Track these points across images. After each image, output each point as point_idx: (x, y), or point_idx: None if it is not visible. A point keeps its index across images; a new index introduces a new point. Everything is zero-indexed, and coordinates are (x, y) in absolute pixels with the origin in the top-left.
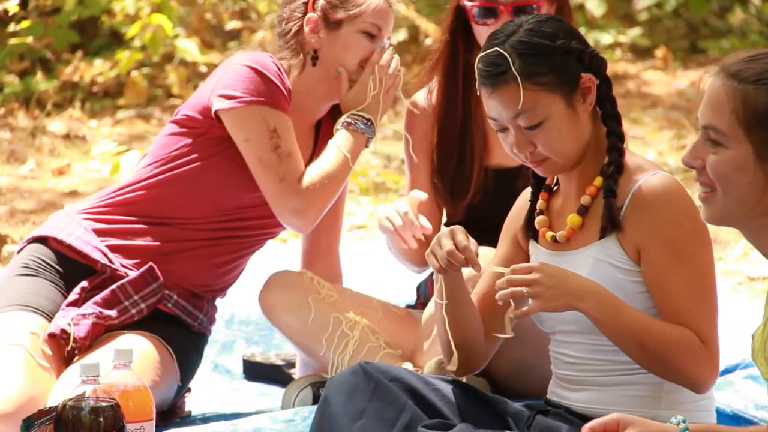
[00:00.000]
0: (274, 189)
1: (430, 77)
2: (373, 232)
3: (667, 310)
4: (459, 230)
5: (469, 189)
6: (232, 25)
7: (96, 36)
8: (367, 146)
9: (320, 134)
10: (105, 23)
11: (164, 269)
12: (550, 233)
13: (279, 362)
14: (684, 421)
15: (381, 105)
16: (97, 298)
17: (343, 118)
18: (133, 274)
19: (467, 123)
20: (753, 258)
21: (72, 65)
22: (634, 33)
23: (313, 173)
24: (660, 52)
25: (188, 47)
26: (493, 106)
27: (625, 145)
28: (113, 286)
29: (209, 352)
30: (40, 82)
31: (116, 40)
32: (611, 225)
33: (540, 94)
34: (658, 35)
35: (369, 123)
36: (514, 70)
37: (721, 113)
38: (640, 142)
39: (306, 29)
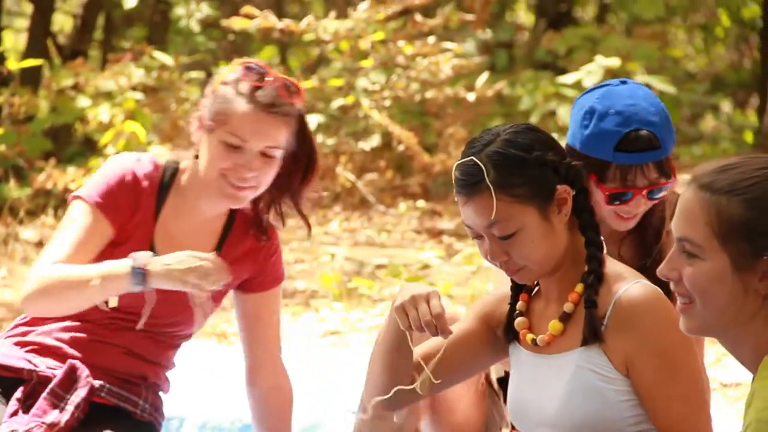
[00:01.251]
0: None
1: None
2: (348, 337)
3: (662, 419)
4: (435, 294)
5: None
6: None
7: (69, 143)
8: (127, 289)
9: (230, 234)
10: (78, 130)
11: (88, 363)
12: (530, 336)
13: None
14: None
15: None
16: (35, 409)
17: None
18: (58, 374)
19: None
20: (726, 364)
21: (45, 173)
22: None
23: (59, 269)
24: None
25: (162, 154)
26: (468, 215)
27: (604, 254)
28: (44, 394)
29: None
30: (13, 189)
31: (89, 147)
32: (593, 337)
33: (514, 205)
34: None
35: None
36: (488, 181)
37: (696, 225)
38: None
39: (194, 126)
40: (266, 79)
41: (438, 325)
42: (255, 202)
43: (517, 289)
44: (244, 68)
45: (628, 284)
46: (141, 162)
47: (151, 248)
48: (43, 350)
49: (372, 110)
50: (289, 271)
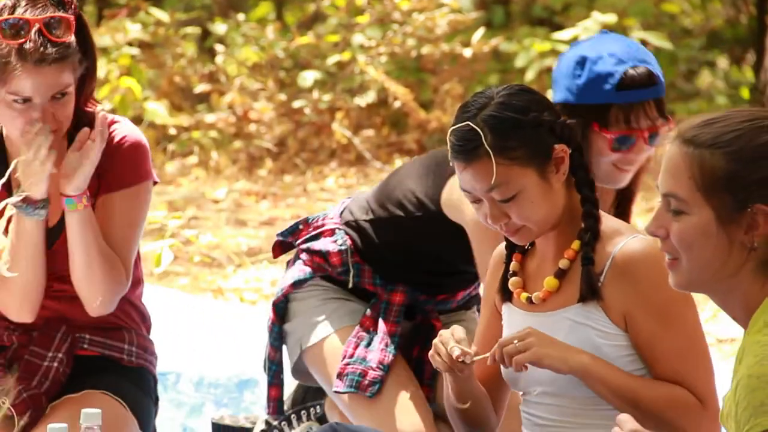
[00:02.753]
0: None
1: None
2: None
3: (662, 373)
4: (459, 330)
5: None
6: (201, 87)
7: None
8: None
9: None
10: None
11: (64, 318)
12: (525, 294)
13: (248, 425)
14: None
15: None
16: (22, 373)
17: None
18: (35, 336)
19: None
20: (721, 320)
21: None
22: None
23: None
24: None
25: (157, 110)
26: (466, 180)
27: (599, 211)
28: (27, 356)
29: (177, 415)
30: None
31: None
32: (591, 293)
33: (513, 167)
34: None
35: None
36: (486, 145)
37: (680, 180)
38: None
39: None
40: (27, 31)
41: (463, 363)
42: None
43: (510, 250)
44: (3, 26)
45: (625, 239)
46: None
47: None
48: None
49: (368, 66)
50: (284, 227)
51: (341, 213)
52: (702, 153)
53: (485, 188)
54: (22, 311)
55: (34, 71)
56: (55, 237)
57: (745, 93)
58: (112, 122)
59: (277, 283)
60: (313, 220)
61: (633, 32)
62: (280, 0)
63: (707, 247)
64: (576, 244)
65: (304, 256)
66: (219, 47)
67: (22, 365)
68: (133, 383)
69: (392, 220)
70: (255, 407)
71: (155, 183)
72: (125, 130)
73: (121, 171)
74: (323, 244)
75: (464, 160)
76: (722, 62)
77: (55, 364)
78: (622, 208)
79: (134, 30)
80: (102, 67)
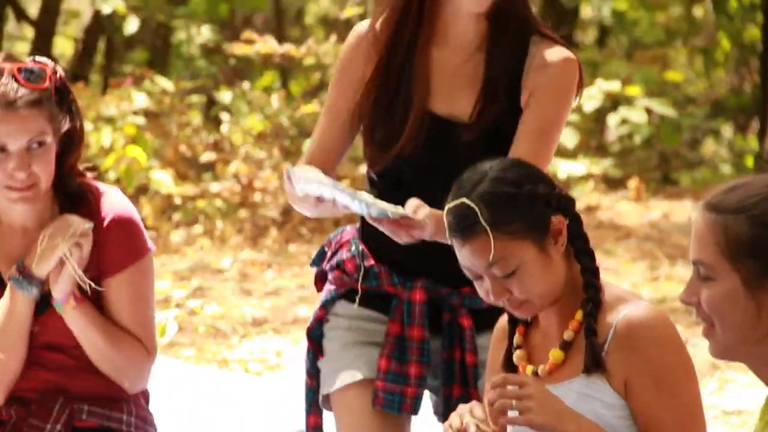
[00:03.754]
0: None
1: (381, 10)
2: None
3: None
4: (478, 409)
5: (401, 135)
6: (207, 156)
7: None
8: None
9: None
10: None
11: (62, 389)
12: (530, 367)
13: None
14: None
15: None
16: None
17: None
18: (34, 409)
19: (409, 64)
20: (728, 391)
21: None
22: (606, 164)
23: None
24: (632, 183)
25: (163, 179)
26: (465, 257)
27: (601, 280)
28: (24, 429)
29: None
30: None
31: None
32: (594, 365)
33: (511, 242)
34: (630, 166)
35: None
36: (483, 221)
37: (706, 247)
38: (613, 274)
39: None
40: (1, 77)
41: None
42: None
43: (512, 323)
44: None
45: (628, 307)
46: None
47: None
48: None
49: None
50: (290, 296)
51: (357, 224)
52: (726, 219)
53: (484, 264)
54: None
55: (7, 114)
56: (46, 304)
57: (749, 161)
58: (99, 194)
59: (282, 354)
60: (335, 236)
61: (637, 100)
62: (285, 69)
63: (736, 313)
64: (579, 315)
65: (330, 274)
66: (224, 116)
67: None
68: None
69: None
70: None
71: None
72: (113, 206)
73: (119, 253)
74: (340, 256)
75: (462, 238)
76: (726, 131)
77: None
78: None
79: (140, 99)
80: (107, 136)
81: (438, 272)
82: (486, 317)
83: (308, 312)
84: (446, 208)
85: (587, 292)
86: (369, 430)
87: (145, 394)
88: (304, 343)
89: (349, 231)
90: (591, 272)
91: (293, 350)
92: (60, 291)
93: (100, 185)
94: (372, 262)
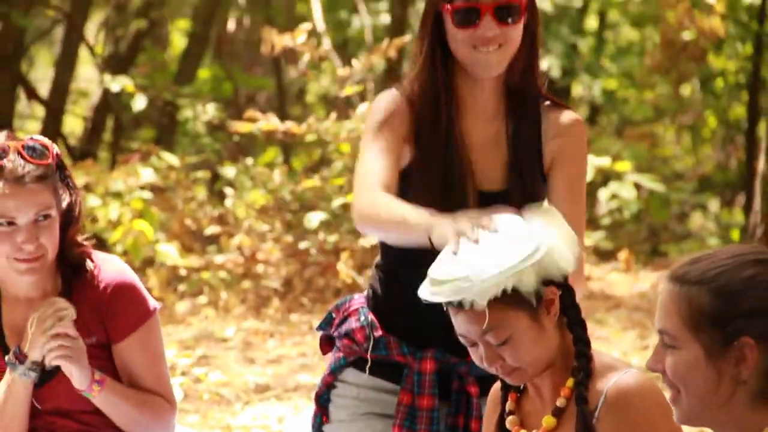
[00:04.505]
0: None
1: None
2: None
3: None
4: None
5: (451, 208)
6: (211, 230)
7: None
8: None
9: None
10: (88, 229)
11: None
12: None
13: None
14: None
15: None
16: None
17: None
18: None
19: (456, 138)
20: None
21: None
22: (597, 236)
23: None
24: (622, 255)
25: (169, 251)
26: (460, 324)
27: (592, 350)
28: None
29: None
30: None
31: (99, 245)
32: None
33: (505, 312)
34: (620, 239)
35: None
36: (475, 293)
37: (670, 317)
38: (604, 342)
39: None
40: (7, 154)
41: None
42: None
43: (505, 389)
44: None
45: (617, 375)
46: None
47: (5, 348)
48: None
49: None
50: (292, 364)
51: (366, 293)
52: (689, 290)
53: (479, 332)
54: None
55: (15, 189)
56: (54, 372)
57: (735, 235)
58: (98, 263)
59: (284, 420)
60: (342, 304)
61: (627, 175)
62: (287, 145)
63: (699, 381)
64: (571, 382)
65: (338, 342)
66: (228, 190)
67: None
68: None
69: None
70: None
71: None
72: (113, 273)
73: (125, 318)
74: (349, 325)
75: (457, 306)
76: (713, 205)
77: None
78: None
79: (146, 174)
80: (115, 210)
81: (446, 342)
82: (489, 384)
83: (310, 379)
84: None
85: (579, 362)
86: None
87: None
88: (305, 410)
89: (358, 300)
90: (583, 342)
91: (295, 417)
92: (81, 383)
93: (99, 254)
94: (381, 332)
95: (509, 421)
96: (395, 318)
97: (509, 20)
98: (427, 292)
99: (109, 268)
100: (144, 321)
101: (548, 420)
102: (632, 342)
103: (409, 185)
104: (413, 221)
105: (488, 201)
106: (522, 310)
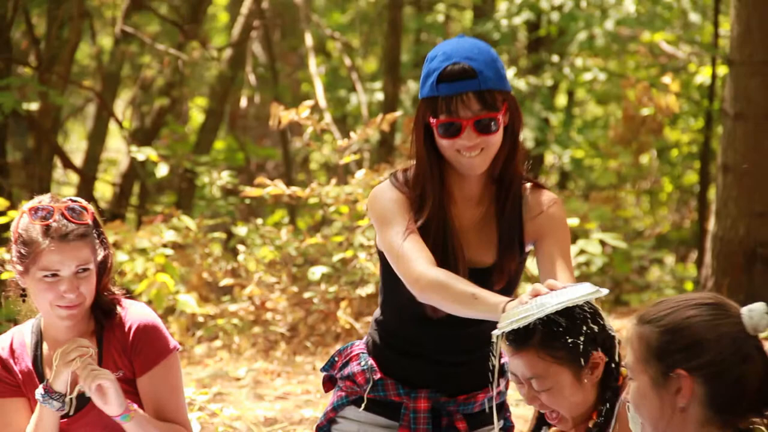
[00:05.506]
0: None
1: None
2: None
3: None
4: None
5: None
6: (225, 281)
7: None
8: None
9: (104, 340)
10: (117, 281)
11: None
12: None
13: None
14: None
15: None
16: None
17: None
18: None
19: (447, 223)
20: None
21: None
22: None
23: None
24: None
25: (188, 301)
26: (513, 364)
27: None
28: None
29: None
30: None
31: (127, 296)
32: None
33: (552, 365)
34: None
35: (52, 394)
36: (534, 342)
37: (630, 352)
38: None
39: (17, 277)
40: (52, 215)
41: None
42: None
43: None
44: (30, 212)
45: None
46: None
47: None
48: None
49: (368, 262)
50: (297, 400)
51: (365, 340)
52: (642, 328)
53: (526, 375)
54: None
55: (60, 246)
56: (83, 404)
57: (689, 286)
58: (125, 308)
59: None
60: (344, 349)
61: (593, 233)
62: (293, 207)
63: (649, 408)
64: (592, 422)
65: (340, 383)
66: (240, 247)
67: None
68: None
69: (380, 296)
70: None
71: (178, 349)
72: (137, 316)
73: (147, 354)
74: (350, 368)
75: (515, 348)
76: (669, 260)
77: None
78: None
79: (168, 234)
80: (141, 265)
81: (436, 384)
82: (477, 419)
83: (313, 413)
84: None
85: (602, 413)
86: None
87: None
88: None
89: (359, 345)
90: (611, 403)
91: None
92: (118, 407)
93: (126, 300)
94: (379, 375)
95: None
96: (392, 364)
97: (488, 130)
98: (500, 325)
99: (135, 311)
100: (165, 356)
101: None
102: None
103: None
104: (486, 298)
105: (478, 276)
106: (568, 367)
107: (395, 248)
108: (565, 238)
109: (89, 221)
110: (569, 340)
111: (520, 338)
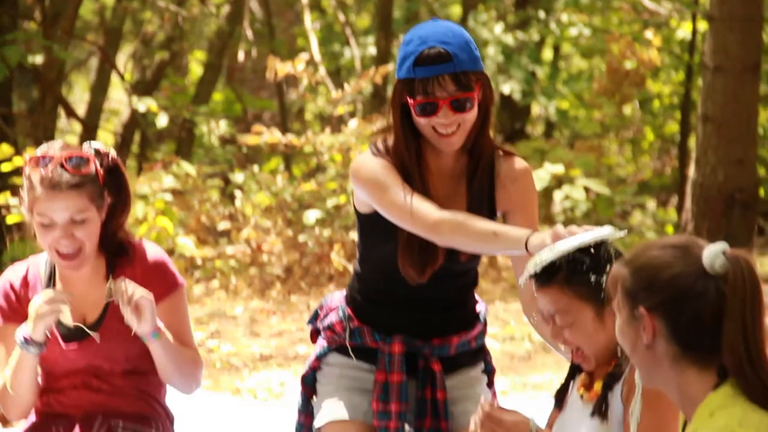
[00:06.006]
0: None
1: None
2: None
3: None
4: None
5: (429, 267)
6: (223, 225)
7: None
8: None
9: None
10: None
11: (102, 408)
12: (582, 390)
13: None
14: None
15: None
16: None
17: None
18: (77, 428)
19: (426, 194)
20: None
21: None
22: None
23: None
24: None
25: (186, 244)
26: (539, 299)
27: None
28: None
29: None
30: None
31: None
32: (600, 412)
33: (574, 301)
34: None
35: (30, 342)
36: (559, 277)
37: (612, 289)
38: None
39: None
40: (48, 164)
41: None
42: (101, 245)
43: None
44: (33, 160)
45: None
46: (15, 268)
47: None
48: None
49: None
50: (292, 337)
51: (344, 292)
52: (621, 269)
53: (551, 311)
54: (15, 415)
55: (53, 195)
56: (86, 333)
57: (670, 230)
58: (136, 247)
59: (285, 384)
60: (326, 301)
61: (578, 180)
62: (288, 155)
63: (626, 344)
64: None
65: (322, 333)
66: (237, 193)
67: None
68: None
69: (358, 254)
70: None
71: (184, 285)
72: (148, 254)
73: (157, 286)
74: (330, 319)
75: (540, 285)
76: (651, 205)
77: None
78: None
79: (168, 180)
80: (141, 210)
81: (411, 329)
82: (452, 362)
83: (307, 350)
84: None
85: (620, 360)
86: None
87: (170, 416)
88: None
89: (337, 297)
90: None
91: (294, 381)
92: (148, 327)
93: (137, 240)
94: (356, 323)
95: (581, 378)
96: (367, 312)
97: (463, 109)
98: (528, 267)
99: (145, 249)
100: (173, 291)
101: (599, 385)
102: None
103: (384, 225)
104: (507, 234)
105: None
106: (590, 303)
107: (404, 204)
108: (534, 210)
109: (90, 171)
110: (592, 278)
111: (545, 276)
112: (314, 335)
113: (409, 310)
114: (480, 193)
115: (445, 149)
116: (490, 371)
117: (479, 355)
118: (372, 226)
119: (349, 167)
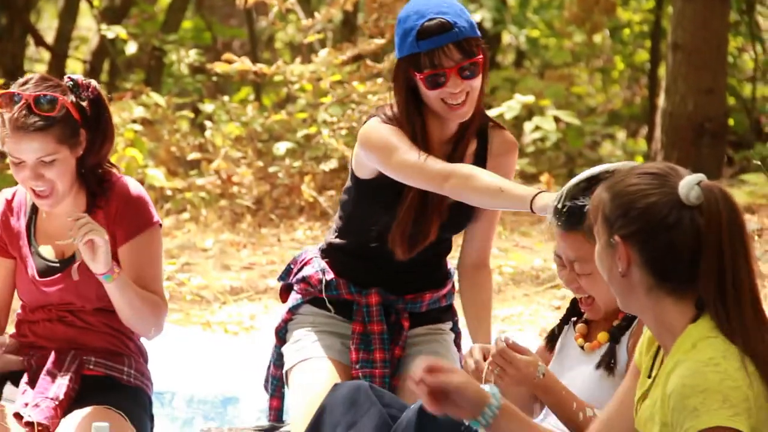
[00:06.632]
0: None
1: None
2: None
3: None
4: (476, 348)
5: (417, 248)
6: (193, 156)
7: None
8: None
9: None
10: None
11: (74, 343)
12: (581, 340)
13: None
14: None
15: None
16: (38, 387)
17: None
18: (50, 358)
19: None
20: None
21: None
22: (522, 162)
23: None
24: (544, 178)
25: (156, 175)
26: (561, 245)
27: None
28: (43, 374)
29: (172, 428)
30: None
31: None
32: (607, 365)
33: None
34: (542, 164)
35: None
36: (585, 225)
37: (593, 215)
38: (529, 251)
39: None
40: (16, 105)
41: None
42: (81, 179)
43: (574, 307)
44: (4, 96)
45: None
46: (2, 193)
47: (36, 249)
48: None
49: (331, 138)
50: (262, 270)
51: (320, 246)
52: (601, 195)
53: (571, 258)
54: None
55: (19, 136)
56: (61, 267)
57: (639, 160)
58: (115, 182)
59: (255, 318)
60: (299, 256)
61: (548, 110)
62: (258, 85)
63: (604, 270)
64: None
65: (296, 286)
66: (208, 123)
67: (39, 382)
68: (132, 401)
69: (343, 215)
70: (237, 420)
71: (160, 225)
72: (125, 189)
73: (129, 225)
74: (305, 272)
75: (564, 230)
76: (621, 135)
77: (66, 382)
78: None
79: (137, 110)
80: None
81: (385, 283)
82: (422, 317)
83: (277, 284)
84: (563, 197)
85: (627, 314)
86: (320, 388)
87: (143, 351)
88: (274, 309)
89: (312, 251)
90: None
91: (264, 315)
92: (104, 265)
93: (117, 175)
94: (332, 275)
95: (579, 327)
96: (344, 266)
97: (471, 75)
98: (549, 219)
99: (123, 184)
100: (147, 228)
101: (603, 336)
102: (552, 251)
103: (388, 186)
104: (513, 191)
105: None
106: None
107: (415, 161)
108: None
109: (58, 111)
110: None
111: (571, 221)
112: (284, 292)
113: (387, 268)
114: (476, 159)
115: (457, 120)
116: (457, 333)
117: (447, 314)
118: (370, 194)
119: (358, 134)
